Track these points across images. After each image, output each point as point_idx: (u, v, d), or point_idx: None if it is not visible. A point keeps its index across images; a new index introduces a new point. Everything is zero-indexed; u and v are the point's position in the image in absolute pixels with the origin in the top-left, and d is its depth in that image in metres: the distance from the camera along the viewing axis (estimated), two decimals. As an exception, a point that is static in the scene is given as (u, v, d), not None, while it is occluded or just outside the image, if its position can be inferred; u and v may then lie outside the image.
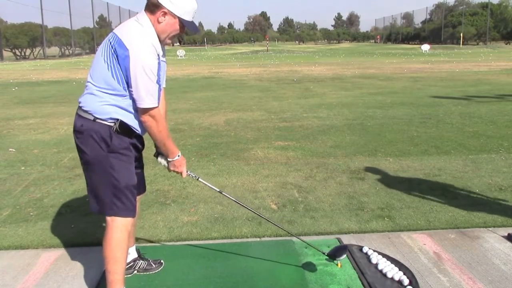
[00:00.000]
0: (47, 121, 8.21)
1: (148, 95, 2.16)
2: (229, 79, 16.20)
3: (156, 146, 2.44)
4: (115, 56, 2.15)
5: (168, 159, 2.44)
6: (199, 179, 2.57)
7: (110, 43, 2.19)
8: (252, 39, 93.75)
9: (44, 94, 12.59)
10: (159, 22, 2.23)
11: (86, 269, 2.82)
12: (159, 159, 2.49)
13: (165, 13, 2.22)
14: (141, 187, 2.57)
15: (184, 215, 3.66)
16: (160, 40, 2.26)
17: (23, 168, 5.17)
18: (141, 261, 2.75)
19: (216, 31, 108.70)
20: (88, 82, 2.26)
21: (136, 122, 2.29)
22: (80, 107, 2.27)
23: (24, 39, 38.10)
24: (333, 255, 2.71)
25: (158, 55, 2.23)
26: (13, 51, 39.32)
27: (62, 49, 44.56)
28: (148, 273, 2.73)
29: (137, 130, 2.32)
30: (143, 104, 2.18)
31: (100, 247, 3.08)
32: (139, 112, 2.24)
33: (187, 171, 2.50)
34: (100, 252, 3.00)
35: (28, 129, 7.53)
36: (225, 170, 4.90)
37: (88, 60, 32.89)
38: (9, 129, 7.53)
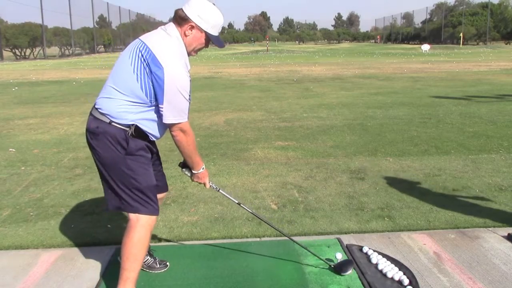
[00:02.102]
0: (47, 121, 8.21)
1: (180, 112, 2.22)
2: (229, 79, 16.19)
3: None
4: (147, 71, 2.17)
5: (193, 171, 2.50)
6: (220, 190, 2.64)
7: (142, 55, 2.18)
8: (252, 39, 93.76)
9: (44, 94, 12.59)
10: (185, 35, 2.28)
11: (86, 269, 2.82)
12: (184, 170, 2.56)
13: (192, 27, 2.26)
14: (162, 186, 2.63)
15: (184, 215, 3.67)
16: (186, 53, 2.31)
17: (23, 168, 5.17)
18: (148, 257, 2.76)
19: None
20: (110, 86, 2.25)
21: (154, 130, 2.32)
22: (96, 109, 2.28)
23: (24, 39, 38.07)
24: (339, 269, 2.70)
25: (188, 71, 2.28)
26: (13, 51, 39.28)
27: (62, 49, 44.54)
28: (150, 271, 2.74)
29: (153, 138, 2.36)
30: (173, 120, 2.22)
31: (100, 247, 3.10)
32: (169, 126, 2.27)
33: (209, 182, 2.57)
34: (100, 252, 3.02)
35: (28, 129, 7.53)
36: (225, 170, 4.91)
37: (87, 60, 32.88)
38: (9, 129, 7.53)
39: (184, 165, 2.54)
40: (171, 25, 2.30)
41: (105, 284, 2.61)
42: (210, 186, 2.59)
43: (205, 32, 2.29)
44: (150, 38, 2.26)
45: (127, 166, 2.26)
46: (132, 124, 2.24)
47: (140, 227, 2.30)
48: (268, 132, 6.87)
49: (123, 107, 2.22)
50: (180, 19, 2.26)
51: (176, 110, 2.20)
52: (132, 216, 2.31)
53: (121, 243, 2.33)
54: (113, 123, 2.22)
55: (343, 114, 8.33)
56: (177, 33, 2.27)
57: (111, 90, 2.25)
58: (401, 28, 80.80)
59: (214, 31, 2.31)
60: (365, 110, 8.73)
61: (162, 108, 2.19)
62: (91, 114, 2.31)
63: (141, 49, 2.21)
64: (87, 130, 2.31)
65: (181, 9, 2.29)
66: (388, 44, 70.02)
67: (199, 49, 2.37)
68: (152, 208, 2.34)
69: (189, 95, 2.27)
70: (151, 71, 2.16)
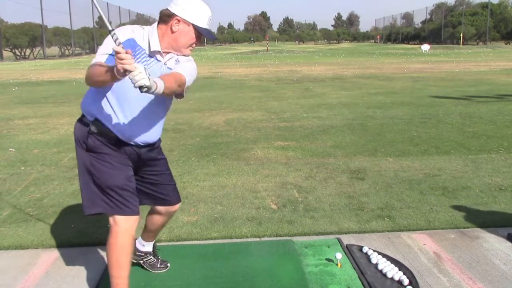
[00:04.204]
0: (47, 121, 8.21)
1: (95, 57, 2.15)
2: (229, 79, 16.20)
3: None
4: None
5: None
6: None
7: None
8: (252, 39, 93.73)
9: (44, 94, 12.59)
10: (173, 31, 2.21)
11: (86, 269, 2.82)
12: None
13: (178, 21, 2.21)
14: (168, 199, 2.51)
15: (184, 215, 3.66)
16: (176, 50, 2.25)
17: (23, 168, 5.17)
18: (151, 257, 2.76)
19: (216, 31, 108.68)
20: None
21: (115, 125, 2.20)
22: None
23: (24, 39, 38.07)
24: None
25: (140, 46, 2.19)
26: (13, 51, 39.29)
27: (62, 49, 44.55)
28: (151, 270, 2.74)
29: (121, 136, 2.22)
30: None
31: (100, 247, 3.11)
32: None
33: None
34: (100, 252, 3.02)
35: (28, 129, 7.53)
36: (225, 170, 4.90)
37: (88, 60, 32.83)
38: (9, 129, 7.53)
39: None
40: (153, 25, 2.26)
41: (105, 284, 2.61)
42: (118, 44, 1.88)
43: (193, 25, 2.22)
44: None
45: (91, 164, 2.21)
46: (94, 120, 2.21)
47: (118, 234, 2.20)
48: (268, 132, 6.87)
49: (88, 98, 2.25)
50: (165, 16, 2.22)
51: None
52: (111, 221, 2.23)
53: None
54: (82, 119, 2.26)
55: (343, 114, 8.33)
56: (154, 29, 2.22)
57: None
58: (401, 28, 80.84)
59: (202, 23, 2.24)
60: (365, 110, 8.73)
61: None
62: None
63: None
64: None
65: (166, 8, 2.25)
66: (388, 44, 70.01)
67: (191, 45, 2.28)
68: (118, 208, 2.20)
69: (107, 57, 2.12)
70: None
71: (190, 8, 2.21)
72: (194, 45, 2.29)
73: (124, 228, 2.21)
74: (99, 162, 2.21)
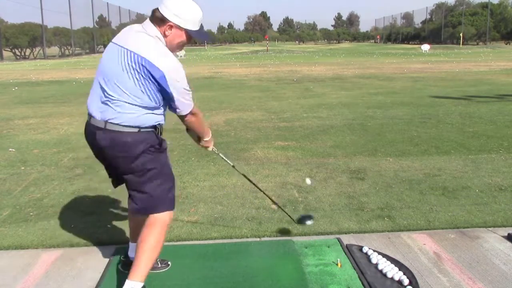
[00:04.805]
0: (47, 121, 8.21)
1: (189, 102, 2.32)
2: (229, 79, 16.19)
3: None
4: (149, 79, 2.18)
5: (204, 139, 2.67)
6: (220, 154, 2.99)
7: (137, 65, 2.16)
8: (252, 39, 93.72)
9: (44, 94, 12.59)
10: (165, 36, 2.27)
11: (86, 269, 2.82)
12: (191, 133, 2.67)
13: (171, 27, 2.25)
14: None
15: (184, 215, 3.66)
16: (170, 50, 2.33)
17: (23, 168, 5.17)
18: None
19: (216, 31, 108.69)
20: (112, 98, 2.22)
21: (164, 120, 2.43)
22: (112, 123, 2.24)
23: (24, 39, 38.08)
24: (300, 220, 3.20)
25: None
26: (13, 51, 39.29)
27: (62, 49, 44.56)
28: (151, 271, 2.74)
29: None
30: (188, 110, 2.33)
31: (100, 247, 3.11)
32: (183, 117, 2.39)
33: (212, 147, 2.80)
34: (99, 252, 3.03)
35: (28, 129, 7.53)
36: (225, 170, 4.90)
37: (87, 60, 32.86)
38: (9, 129, 7.53)
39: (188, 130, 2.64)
40: (150, 25, 2.26)
41: (105, 284, 2.61)
42: (212, 149, 2.79)
43: (185, 30, 2.28)
44: (134, 43, 2.21)
45: (164, 163, 2.39)
46: (158, 124, 2.34)
47: (157, 229, 2.35)
48: (268, 132, 6.87)
49: (140, 112, 2.24)
50: (158, 20, 2.24)
51: (186, 102, 2.30)
52: (159, 216, 2.35)
53: (139, 239, 2.34)
54: (142, 130, 2.26)
55: (343, 114, 8.33)
56: (157, 33, 2.25)
57: (116, 101, 2.22)
58: (401, 28, 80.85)
59: (194, 27, 2.29)
60: (365, 110, 8.73)
61: (175, 104, 2.28)
62: (105, 129, 2.25)
63: (131, 59, 2.17)
64: (111, 146, 2.26)
65: (158, 9, 2.26)
66: (388, 44, 70.01)
67: (183, 45, 2.37)
68: (174, 203, 2.45)
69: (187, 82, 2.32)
70: (154, 78, 2.17)
71: (182, 14, 2.24)
72: (185, 44, 2.40)
73: (164, 226, 2.39)
74: (166, 158, 2.44)
